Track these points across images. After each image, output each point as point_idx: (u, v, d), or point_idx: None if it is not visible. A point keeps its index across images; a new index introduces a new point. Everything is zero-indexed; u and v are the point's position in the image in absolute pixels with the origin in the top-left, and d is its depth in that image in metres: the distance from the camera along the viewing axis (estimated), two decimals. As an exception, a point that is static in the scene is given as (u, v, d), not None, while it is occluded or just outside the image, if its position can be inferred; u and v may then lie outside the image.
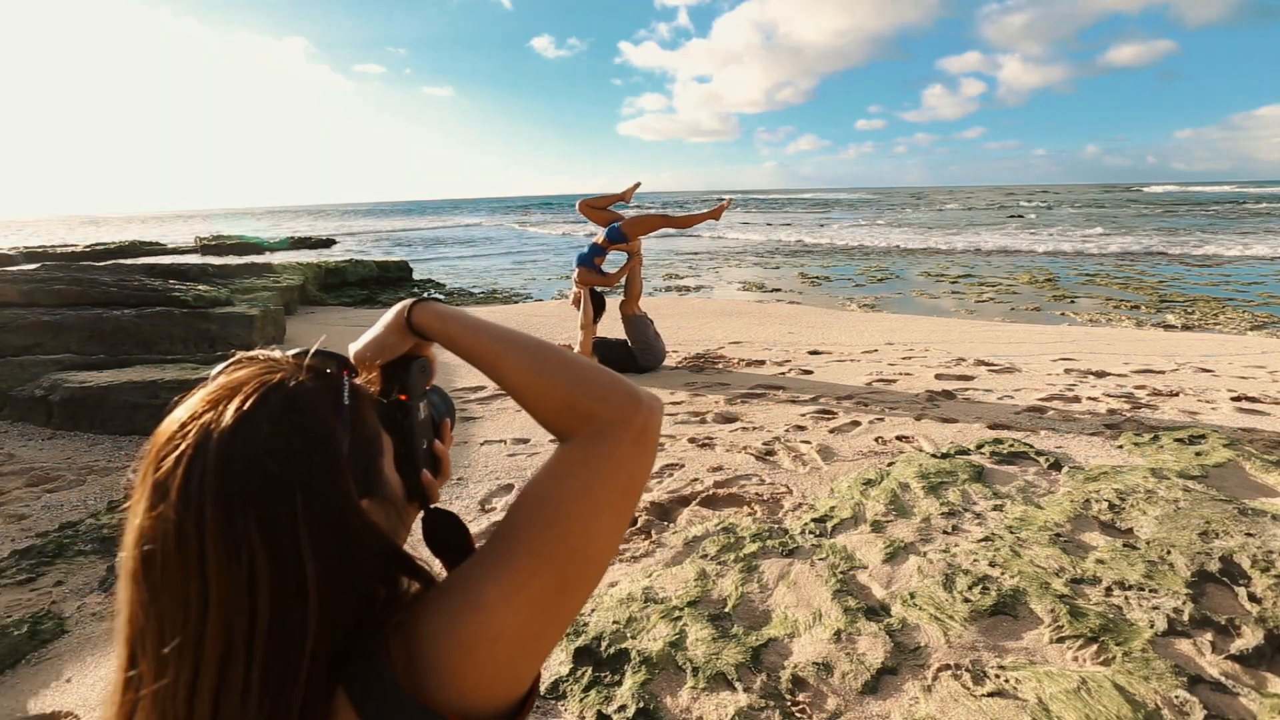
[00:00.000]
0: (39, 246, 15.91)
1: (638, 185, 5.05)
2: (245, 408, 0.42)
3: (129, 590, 0.41)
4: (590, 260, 4.61)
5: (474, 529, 2.21)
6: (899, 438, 2.88)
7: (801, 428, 3.10)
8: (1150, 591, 1.62)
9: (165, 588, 0.40)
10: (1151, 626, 1.50)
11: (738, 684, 1.41)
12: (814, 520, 2.10)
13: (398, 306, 0.57)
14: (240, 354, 0.48)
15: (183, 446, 0.41)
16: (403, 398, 0.54)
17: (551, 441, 2.69)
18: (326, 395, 0.46)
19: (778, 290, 10.37)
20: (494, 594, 0.42)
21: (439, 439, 0.58)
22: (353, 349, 0.57)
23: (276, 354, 0.48)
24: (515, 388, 0.52)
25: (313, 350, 0.49)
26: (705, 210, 5.00)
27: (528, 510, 0.45)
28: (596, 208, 4.85)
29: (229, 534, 0.39)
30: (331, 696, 0.41)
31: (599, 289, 4.75)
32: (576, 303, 4.53)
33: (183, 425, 0.42)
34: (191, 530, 0.39)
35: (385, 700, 0.41)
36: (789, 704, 1.36)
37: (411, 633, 0.42)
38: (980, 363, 4.42)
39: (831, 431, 3.02)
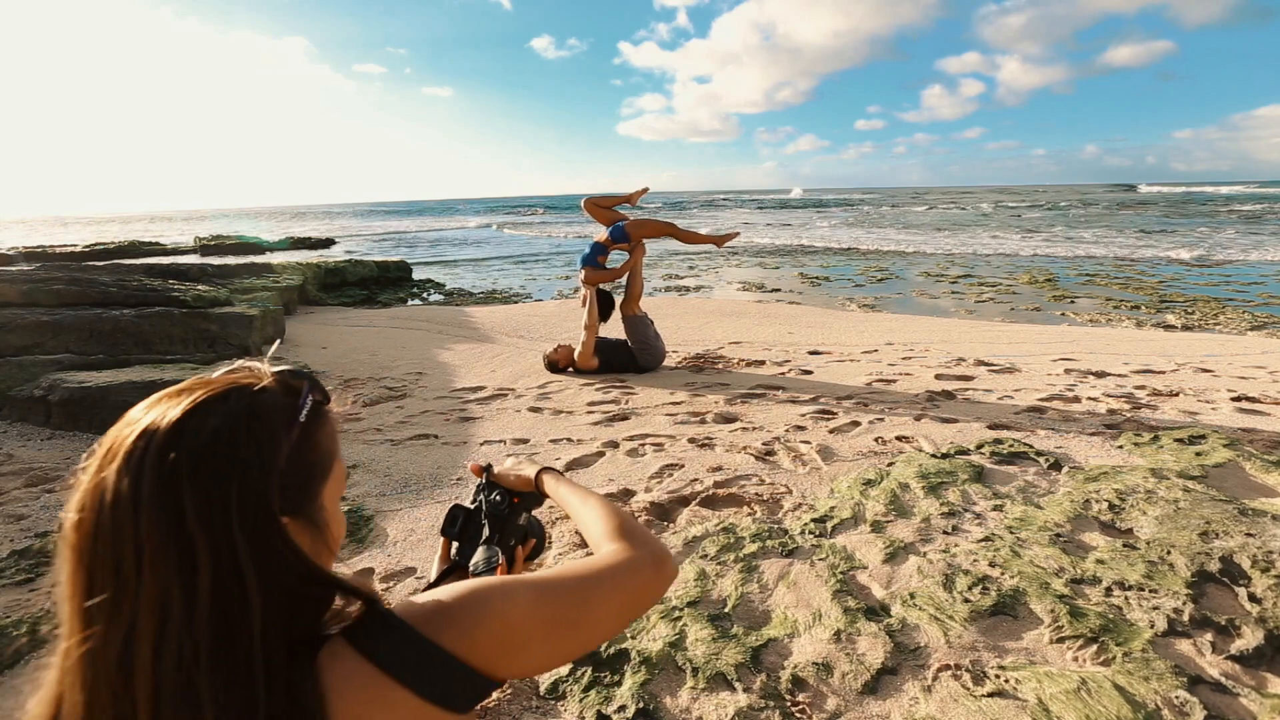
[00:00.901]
0: (38, 246, 15.92)
1: (645, 190, 5.04)
2: (204, 399, 0.48)
3: (65, 552, 0.45)
4: (594, 259, 4.61)
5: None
6: (899, 438, 2.88)
7: (801, 428, 3.10)
8: (1150, 592, 1.62)
9: (99, 547, 0.44)
10: (1151, 627, 1.50)
11: (737, 684, 1.41)
12: (814, 520, 2.10)
13: (532, 470, 0.83)
14: (240, 362, 0.53)
15: (142, 422, 0.47)
16: (515, 500, 0.81)
17: (552, 441, 2.69)
18: (285, 407, 0.51)
19: (777, 290, 10.37)
20: (525, 601, 0.53)
21: (519, 546, 0.81)
22: (496, 469, 0.84)
23: (265, 365, 0.54)
24: (588, 533, 0.70)
25: (290, 368, 0.54)
26: (712, 233, 4.97)
27: (575, 581, 0.58)
28: (602, 206, 4.84)
29: (165, 503, 0.43)
30: (313, 656, 0.47)
31: (606, 288, 4.75)
32: (585, 302, 4.53)
33: (148, 408, 0.48)
34: (128, 494, 0.44)
35: (400, 644, 0.48)
36: (789, 704, 1.36)
37: (439, 598, 0.51)
38: (980, 363, 4.42)
39: (831, 432, 3.02)
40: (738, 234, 5.55)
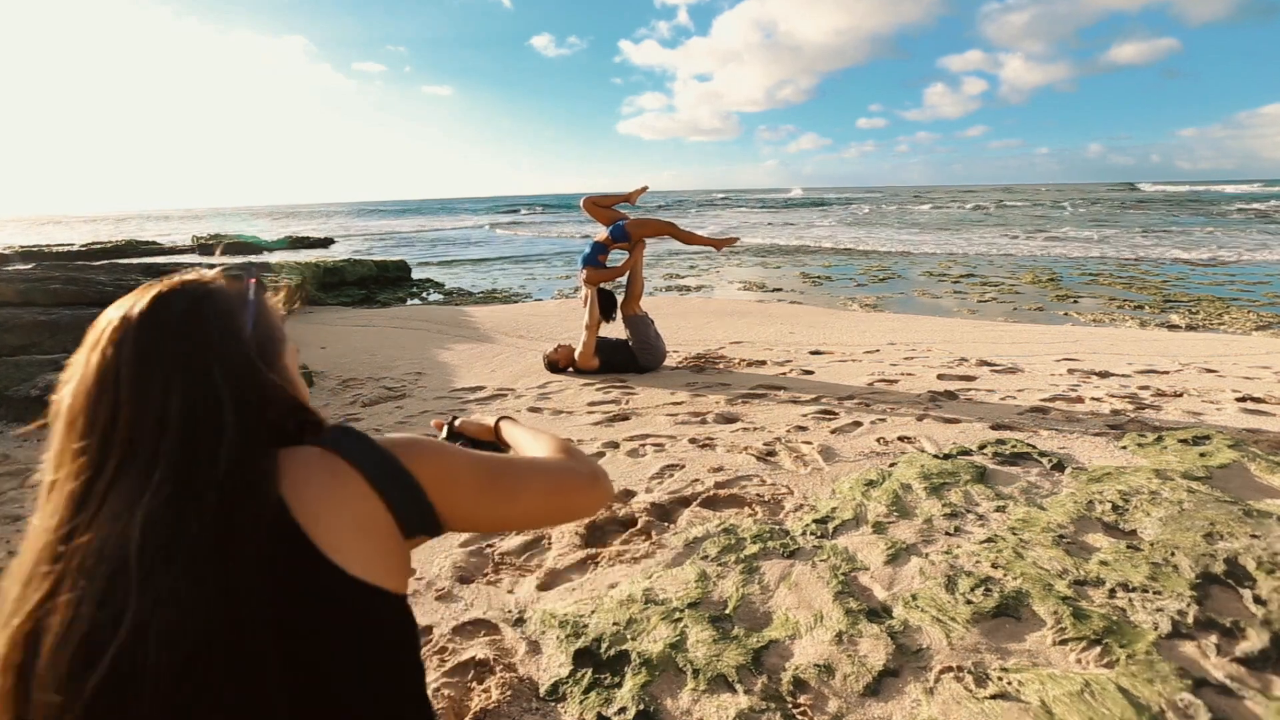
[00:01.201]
0: (35, 245, 15.92)
1: (645, 189, 5.02)
2: (165, 291, 0.56)
3: (55, 428, 0.53)
4: (594, 259, 4.60)
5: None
6: (901, 438, 2.87)
7: (803, 428, 3.09)
8: (1154, 593, 1.60)
9: (85, 411, 0.52)
10: (1155, 629, 1.49)
11: (739, 686, 1.40)
12: (815, 521, 2.09)
13: (492, 419, 0.89)
14: (184, 270, 0.62)
15: (116, 313, 0.55)
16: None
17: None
18: (236, 291, 0.60)
19: (779, 290, 10.36)
20: (467, 459, 0.63)
21: None
22: (458, 422, 0.89)
23: (206, 273, 0.62)
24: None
25: (228, 266, 0.65)
26: (711, 235, 4.96)
27: (515, 462, 0.67)
28: (601, 205, 4.82)
29: (145, 366, 0.52)
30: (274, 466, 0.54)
31: (608, 288, 4.74)
32: (587, 302, 4.52)
33: (118, 306, 0.56)
34: (111, 361, 0.52)
35: (362, 444, 0.57)
36: (790, 706, 1.35)
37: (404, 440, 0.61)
38: (983, 363, 4.41)
39: (833, 432, 3.01)
40: (738, 239, 5.54)
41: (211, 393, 0.53)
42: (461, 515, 0.61)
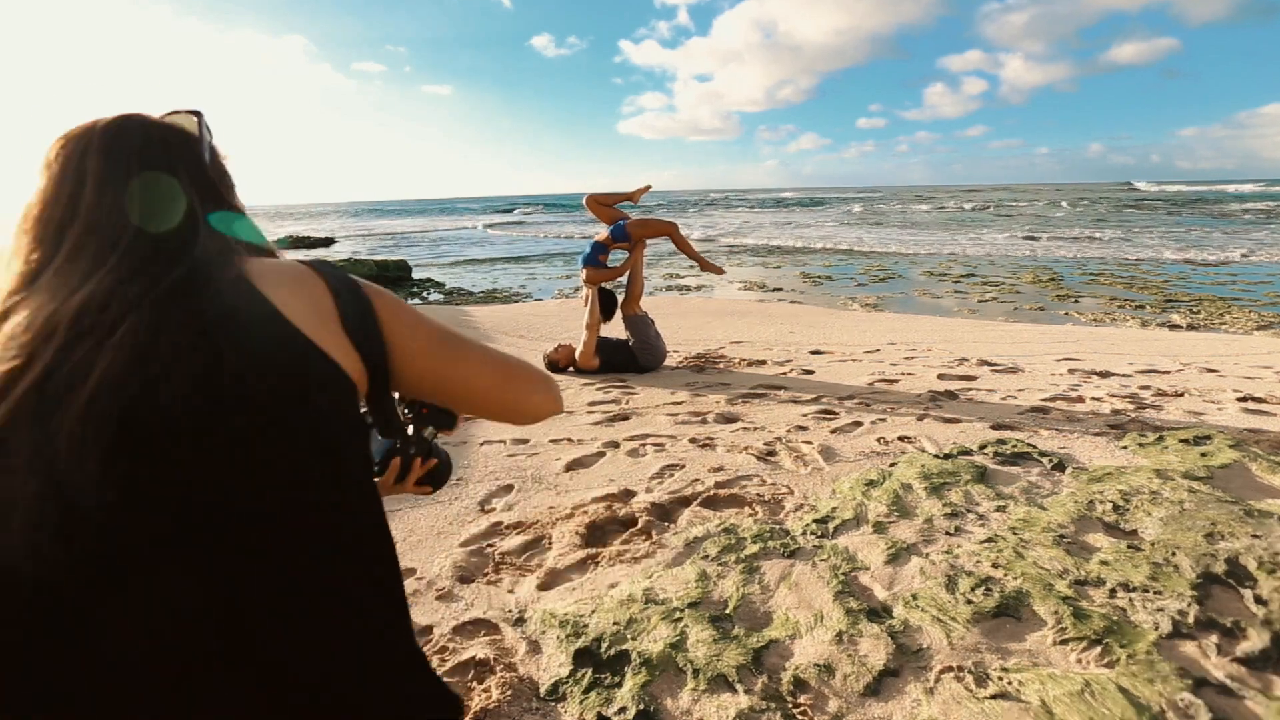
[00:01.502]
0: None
1: (648, 188, 5.00)
2: (123, 118, 0.57)
3: (16, 231, 0.52)
4: (594, 259, 4.60)
5: (472, 530, 2.20)
6: (901, 438, 2.87)
7: (803, 428, 3.09)
8: (1155, 593, 1.60)
9: (46, 211, 0.52)
10: (1156, 629, 1.49)
11: (739, 686, 1.40)
12: (815, 521, 2.09)
13: None
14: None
15: (75, 129, 0.55)
16: (424, 411, 0.78)
17: (552, 440, 2.68)
18: (189, 125, 0.62)
19: (779, 290, 10.36)
20: (422, 315, 0.64)
21: (419, 458, 0.78)
22: None
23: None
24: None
25: (178, 111, 0.65)
26: (706, 259, 4.99)
27: (470, 339, 0.69)
28: (604, 204, 4.82)
29: (110, 163, 0.53)
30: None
31: (608, 288, 4.73)
32: (588, 301, 4.52)
33: (76, 126, 0.56)
34: (75, 163, 0.53)
35: (344, 278, 0.57)
36: (790, 706, 1.35)
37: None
38: (983, 363, 4.41)
39: (833, 432, 3.01)
40: (724, 271, 5.67)
41: (177, 191, 0.55)
42: (408, 359, 0.61)
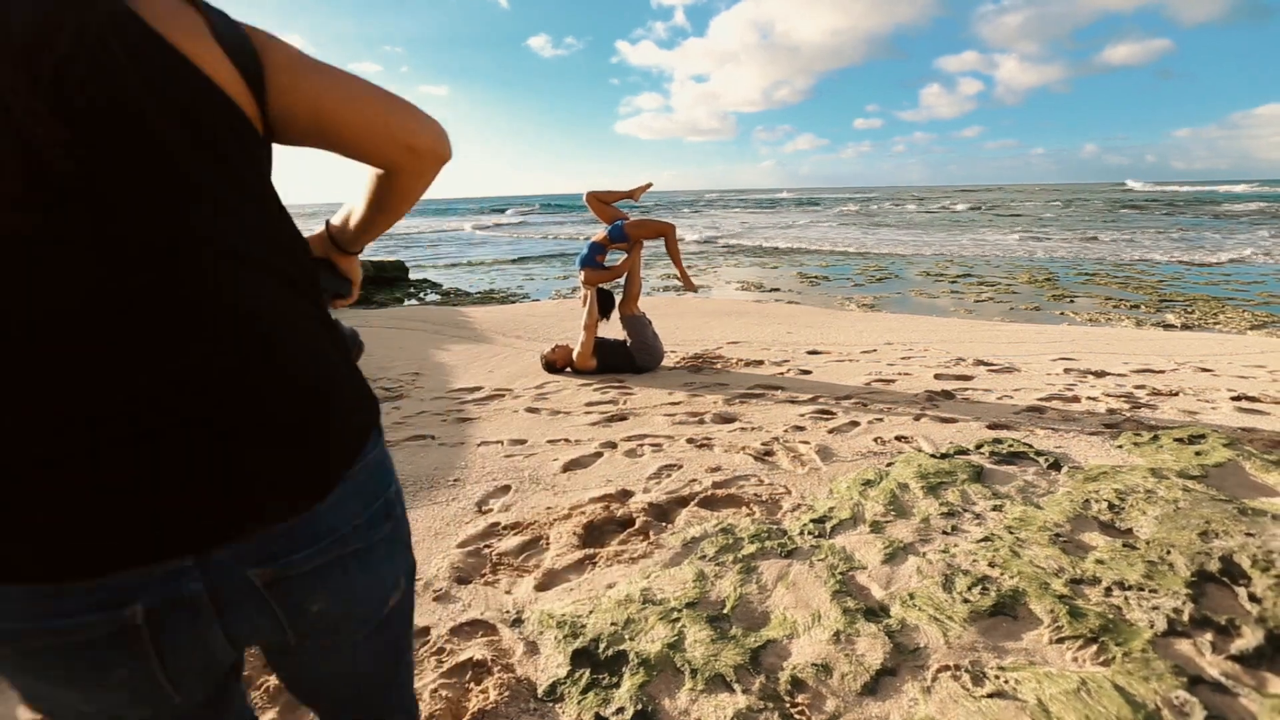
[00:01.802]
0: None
1: (648, 186, 4.99)
2: None
3: None
4: (592, 260, 4.60)
5: (469, 531, 2.20)
6: (898, 438, 2.87)
7: (800, 428, 3.09)
8: (1150, 592, 1.61)
9: None
10: (1151, 627, 1.49)
11: (736, 685, 1.40)
12: (813, 521, 2.09)
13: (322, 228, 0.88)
14: None
15: None
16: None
17: (549, 441, 2.67)
18: None
19: (776, 290, 10.37)
20: (303, 54, 0.63)
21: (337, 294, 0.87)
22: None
23: None
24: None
25: None
26: (689, 276, 4.95)
27: (350, 77, 0.64)
28: (604, 201, 4.81)
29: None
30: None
31: (606, 287, 4.73)
32: (586, 302, 4.52)
33: None
34: None
35: (220, 13, 0.57)
36: (788, 705, 1.35)
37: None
38: (979, 362, 4.42)
39: (830, 432, 3.02)
40: (696, 290, 5.66)
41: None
42: (286, 82, 0.60)
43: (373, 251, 20.16)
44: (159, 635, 0.54)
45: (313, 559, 0.60)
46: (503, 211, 55.51)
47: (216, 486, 0.54)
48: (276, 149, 0.63)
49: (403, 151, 0.66)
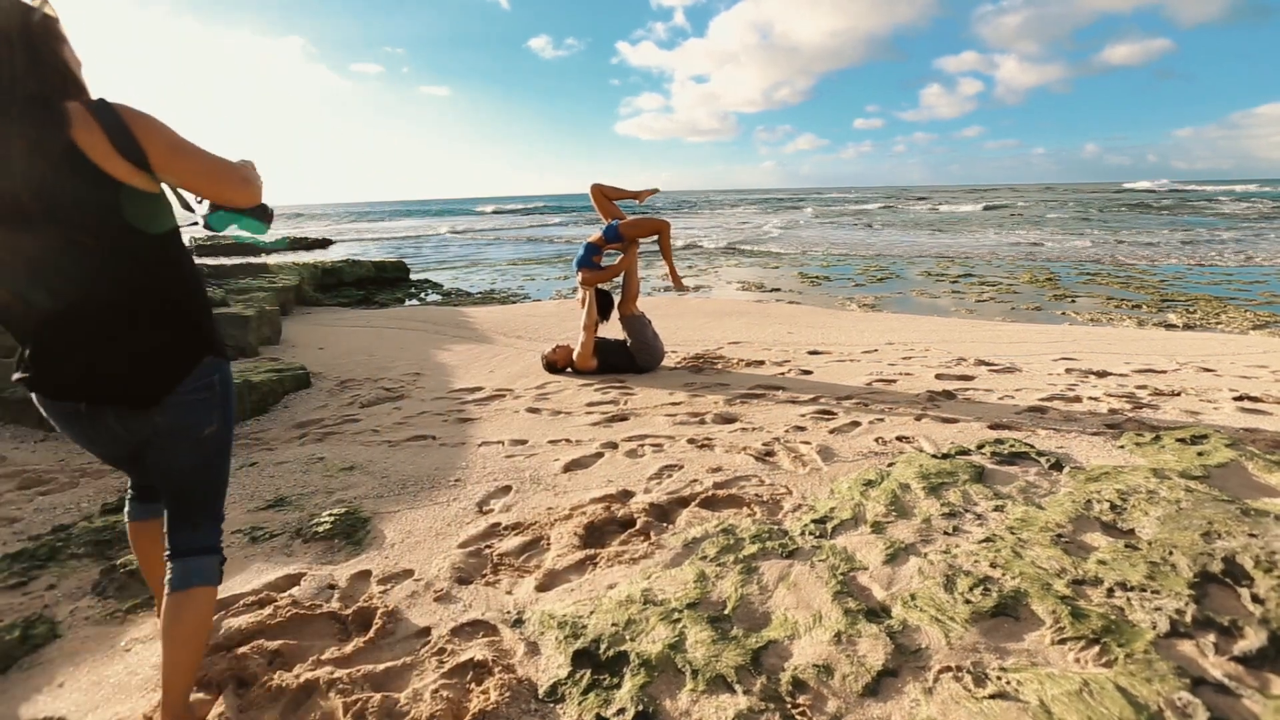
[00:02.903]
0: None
1: (655, 190, 4.97)
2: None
3: None
4: (589, 261, 4.59)
5: (471, 531, 2.20)
6: (899, 438, 2.87)
7: (801, 428, 3.09)
8: (1152, 592, 1.60)
9: None
10: (1154, 628, 1.49)
11: (737, 686, 1.39)
12: (814, 521, 2.09)
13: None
14: None
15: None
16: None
17: (550, 442, 2.66)
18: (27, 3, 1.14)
19: (777, 290, 10.37)
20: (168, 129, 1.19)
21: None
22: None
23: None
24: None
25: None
26: (679, 276, 4.91)
27: (198, 160, 1.23)
28: (608, 196, 4.81)
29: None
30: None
31: (605, 288, 4.73)
32: (585, 303, 4.52)
33: None
34: None
35: (113, 116, 1.12)
36: (789, 706, 1.34)
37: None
38: (981, 362, 4.41)
39: (831, 432, 3.01)
40: (687, 290, 5.53)
41: (10, 47, 1.09)
42: (157, 157, 1.16)
43: (370, 252, 20.16)
44: (91, 419, 1.24)
45: (163, 411, 1.26)
46: (478, 213, 55.68)
47: (121, 380, 1.23)
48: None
49: (229, 200, 1.31)
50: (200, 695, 1.42)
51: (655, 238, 4.68)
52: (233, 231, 1.47)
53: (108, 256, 1.16)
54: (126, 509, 1.56)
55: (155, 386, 1.24)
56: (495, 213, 55.24)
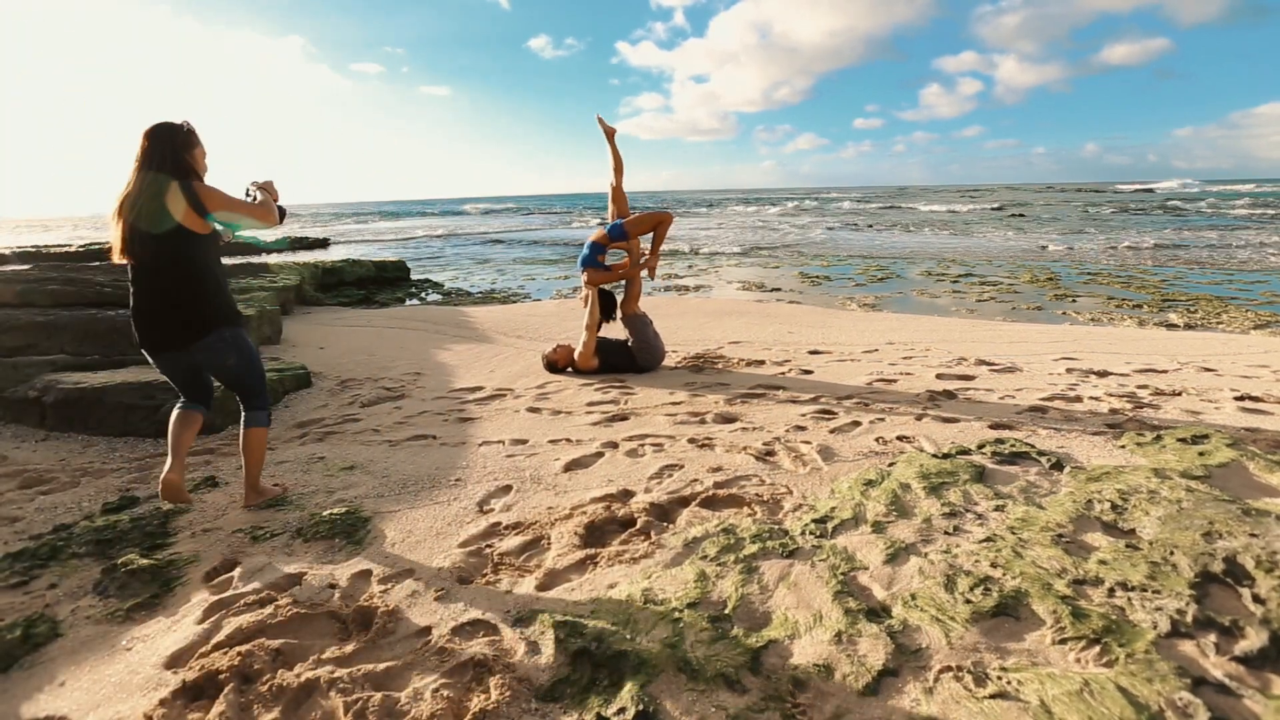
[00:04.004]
0: (33, 246, 15.90)
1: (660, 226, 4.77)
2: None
3: None
4: (594, 260, 4.59)
5: (471, 530, 2.20)
6: (900, 438, 2.87)
7: (802, 428, 3.09)
8: (1153, 592, 1.60)
9: None
10: (1154, 628, 1.49)
11: (737, 686, 1.39)
12: (814, 521, 2.09)
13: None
14: None
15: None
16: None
17: (551, 441, 2.66)
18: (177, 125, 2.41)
19: (778, 290, 10.36)
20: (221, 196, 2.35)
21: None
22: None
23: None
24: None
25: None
26: (658, 259, 4.75)
27: (240, 205, 2.36)
28: (620, 195, 4.81)
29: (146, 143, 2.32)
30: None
31: (608, 288, 4.72)
32: (587, 302, 4.51)
33: None
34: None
35: (189, 186, 2.27)
36: (789, 706, 1.34)
37: None
38: (981, 362, 4.41)
39: (832, 432, 3.01)
40: (653, 278, 5.20)
41: (163, 147, 2.24)
42: (216, 209, 2.28)
43: (373, 252, 20.17)
44: (168, 357, 2.37)
45: (199, 351, 2.34)
46: (464, 212, 55.74)
47: (175, 336, 2.31)
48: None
49: (261, 227, 2.38)
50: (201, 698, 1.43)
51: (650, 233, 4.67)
52: (247, 233, 2.52)
53: (170, 270, 2.27)
54: (178, 405, 2.47)
55: (187, 340, 2.31)
56: (487, 212, 55.30)
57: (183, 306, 2.27)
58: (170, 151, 2.21)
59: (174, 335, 2.28)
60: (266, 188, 2.43)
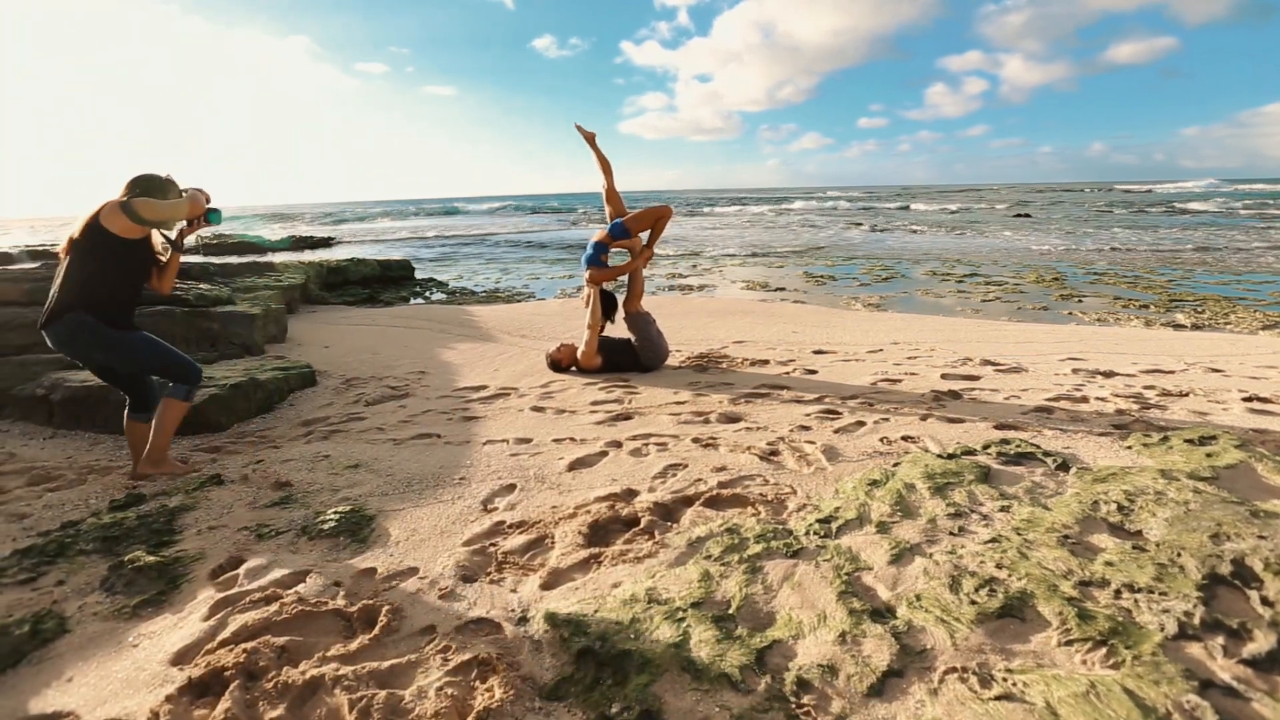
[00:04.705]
0: (41, 245, 15.99)
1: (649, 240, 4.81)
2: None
3: None
4: (597, 259, 4.59)
5: (476, 529, 2.20)
6: (904, 438, 2.86)
7: (806, 428, 3.08)
8: (1160, 594, 1.59)
9: None
10: (1161, 630, 1.48)
11: (741, 686, 1.39)
12: (819, 521, 2.08)
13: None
14: None
15: None
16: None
17: (555, 440, 2.67)
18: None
19: (782, 289, 10.34)
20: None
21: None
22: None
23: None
24: None
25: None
26: (652, 252, 4.76)
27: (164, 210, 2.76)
28: (613, 195, 4.81)
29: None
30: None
31: (608, 289, 4.72)
32: (589, 302, 4.51)
33: None
34: None
35: (129, 201, 2.76)
36: (793, 706, 1.34)
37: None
38: (986, 362, 4.39)
39: (836, 432, 3.00)
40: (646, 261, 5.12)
41: (136, 189, 2.73)
42: (149, 218, 2.68)
43: (377, 251, 20.22)
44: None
45: (57, 332, 2.77)
46: (454, 213, 55.81)
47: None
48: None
49: (189, 217, 2.81)
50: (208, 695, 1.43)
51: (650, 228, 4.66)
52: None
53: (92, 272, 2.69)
54: (125, 414, 2.91)
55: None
56: (491, 211, 55.36)
57: (91, 303, 2.81)
58: (150, 193, 2.75)
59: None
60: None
